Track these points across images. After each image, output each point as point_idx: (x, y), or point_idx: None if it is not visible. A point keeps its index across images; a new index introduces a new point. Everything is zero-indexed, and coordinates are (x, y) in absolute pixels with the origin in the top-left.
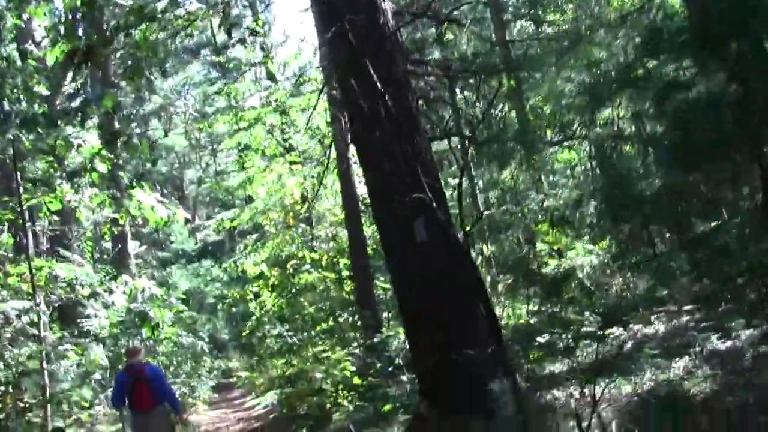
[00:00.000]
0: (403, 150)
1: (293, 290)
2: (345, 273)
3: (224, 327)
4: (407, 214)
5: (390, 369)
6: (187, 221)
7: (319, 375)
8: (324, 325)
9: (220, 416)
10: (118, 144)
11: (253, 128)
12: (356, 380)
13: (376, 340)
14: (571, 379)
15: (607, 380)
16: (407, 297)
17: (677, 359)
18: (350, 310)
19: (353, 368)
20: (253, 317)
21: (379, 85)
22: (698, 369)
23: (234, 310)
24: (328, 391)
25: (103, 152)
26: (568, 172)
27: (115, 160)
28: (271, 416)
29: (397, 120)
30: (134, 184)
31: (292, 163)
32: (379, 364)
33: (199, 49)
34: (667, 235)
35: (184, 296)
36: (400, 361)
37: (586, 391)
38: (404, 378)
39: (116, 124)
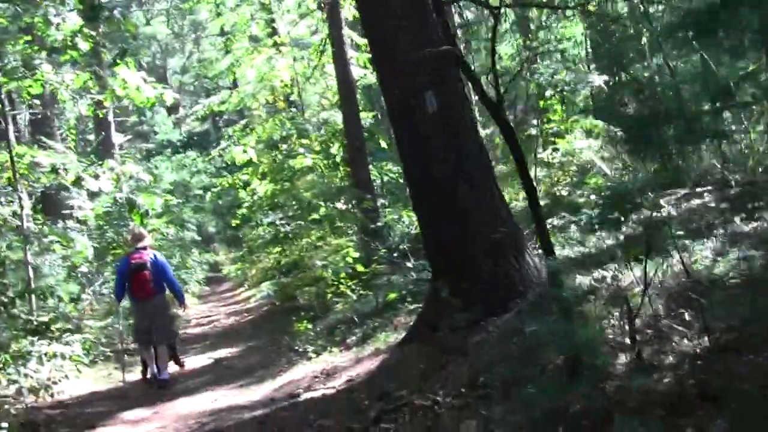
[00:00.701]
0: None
1: (289, 174)
2: (339, 158)
3: (211, 219)
4: (421, 81)
5: (394, 255)
6: (171, 109)
7: (319, 263)
8: (317, 215)
9: (210, 309)
10: (100, 20)
11: (238, 8)
12: (359, 268)
13: (379, 224)
14: (600, 262)
15: (635, 262)
16: (420, 180)
17: (704, 240)
18: (346, 196)
19: (356, 255)
20: (244, 206)
21: None
22: (728, 251)
23: (221, 202)
24: (329, 279)
25: (85, 29)
26: (559, 57)
27: (97, 38)
28: (264, 309)
29: None
30: (118, 61)
31: (279, 45)
32: (382, 250)
33: None
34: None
35: (171, 187)
36: (405, 247)
37: (619, 274)
38: (409, 264)
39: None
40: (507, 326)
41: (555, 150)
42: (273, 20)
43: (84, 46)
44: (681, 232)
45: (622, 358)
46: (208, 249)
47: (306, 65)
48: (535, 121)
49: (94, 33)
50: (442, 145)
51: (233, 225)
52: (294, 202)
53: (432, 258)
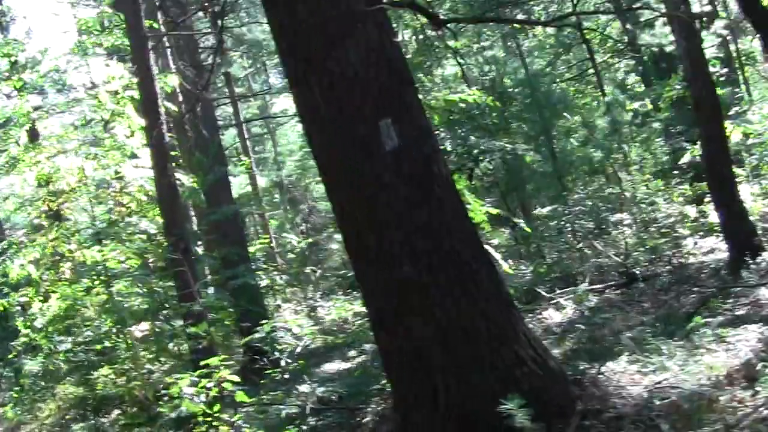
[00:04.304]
0: None
1: (102, 281)
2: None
3: None
4: (368, 110)
5: (284, 376)
6: None
7: (188, 390)
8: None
9: None
10: None
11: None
12: (241, 396)
13: (257, 335)
14: None
15: None
16: (376, 265)
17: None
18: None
19: (237, 379)
20: (21, 335)
21: None
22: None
23: None
24: (198, 415)
25: None
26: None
27: None
28: None
29: None
30: None
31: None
32: (273, 372)
33: None
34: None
35: None
36: (292, 363)
37: None
38: (305, 388)
39: None
40: None
41: None
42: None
43: None
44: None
45: None
46: None
47: (99, 163)
48: None
49: None
50: (410, 203)
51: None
52: (106, 320)
53: (398, 379)
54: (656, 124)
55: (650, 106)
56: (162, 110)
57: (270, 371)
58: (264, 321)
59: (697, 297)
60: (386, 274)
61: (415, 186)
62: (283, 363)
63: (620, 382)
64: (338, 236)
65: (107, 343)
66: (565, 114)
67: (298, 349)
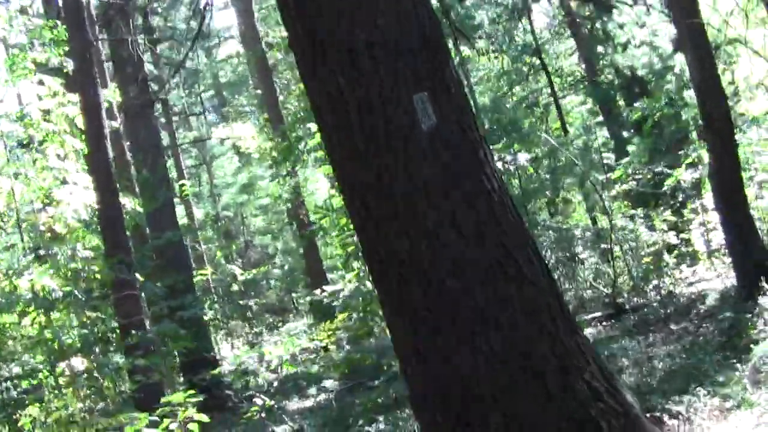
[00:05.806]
0: None
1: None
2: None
3: None
4: (400, 83)
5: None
6: None
7: None
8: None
9: None
10: None
11: None
12: None
13: (224, 369)
14: None
15: None
16: (411, 280)
17: None
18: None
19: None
20: None
21: None
22: None
23: None
24: None
25: None
26: None
27: None
28: None
29: None
30: None
31: None
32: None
33: None
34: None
35: None
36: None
37: None
38: (282, 429)
39: None
40: None
41: None
42: None
43: None
44: None
45: None
46: None
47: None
48: None
49: None
50: (456, 200)
51: None
52: (36, 354)
53: (442, 419)
54: (632, 149)
55: (601, 139)
56: (106, 127)
57: (244, 410)
58: (250, 350)
59: (717, 325)
60: (425, 291)
61: (462, 179)
62: (258, 401)
63: (703, 420)
64: (277, 271)
65: (35, 380)
66: (543, 134)
67: (275, 383)
